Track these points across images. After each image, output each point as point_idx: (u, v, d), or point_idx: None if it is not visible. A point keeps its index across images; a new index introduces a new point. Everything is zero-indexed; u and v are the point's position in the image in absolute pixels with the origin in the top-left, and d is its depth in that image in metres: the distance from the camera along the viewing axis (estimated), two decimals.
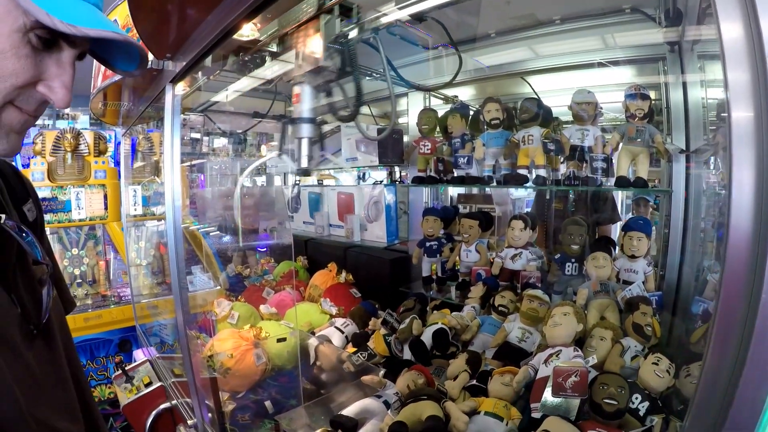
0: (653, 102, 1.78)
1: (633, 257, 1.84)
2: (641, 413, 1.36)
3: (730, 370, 0.66)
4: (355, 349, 2.15)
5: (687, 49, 1.76)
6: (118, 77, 2.21)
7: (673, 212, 1.84)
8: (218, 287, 3.19)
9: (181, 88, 1.94)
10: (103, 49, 0.98)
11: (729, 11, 0.63)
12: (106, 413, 3.49)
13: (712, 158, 1.74)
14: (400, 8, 1.47)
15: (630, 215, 2.40)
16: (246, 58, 1.96)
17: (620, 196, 2.43)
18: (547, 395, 1.38)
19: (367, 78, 2.60)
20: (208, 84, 2.50)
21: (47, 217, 3.72)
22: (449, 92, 2.67)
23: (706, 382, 0.70)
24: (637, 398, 1.38)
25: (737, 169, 0.63)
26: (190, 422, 2.03)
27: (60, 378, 1.04)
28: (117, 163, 4.17)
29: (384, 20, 1.56)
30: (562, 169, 2.06)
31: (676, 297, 1.86)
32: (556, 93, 2.21)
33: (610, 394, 1.33)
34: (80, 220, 3.87)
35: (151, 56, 1.84)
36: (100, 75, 2.46)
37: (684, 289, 1.84)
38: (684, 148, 1.79)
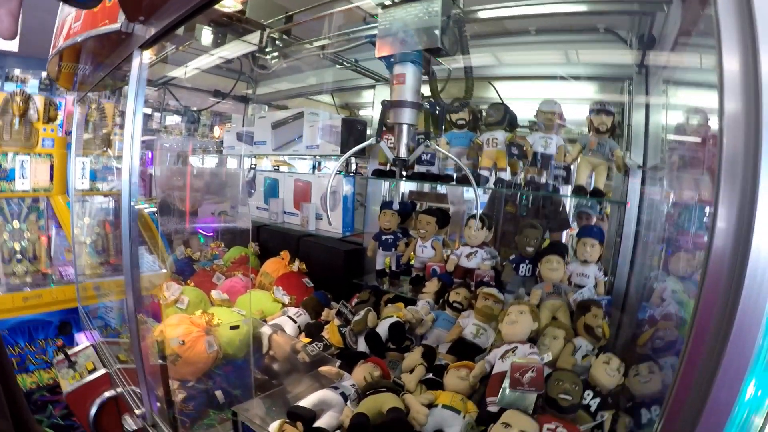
0: (615, 117, 1.87)
1: (585, 262, 1.94)
2: (592, 409, 1.45)
3: (705, 375, 0.71)
4: (308, 340, 2.15)
5: (654, 73, 1.87)
6: (80, 37, 2.08)
7: (626, 223, 1.94)
8: (164, 270, 3.10)
9: (148, 56, 1.86)
10: None
11: (731, 44, 0.68)
12: (44, 400, 3.29)
13: (666, 176, 1.84)
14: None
15: (575, 224, 2.51)
16: (220, 32, 1.92)
17: (570, 203, 2.54)
18: (506, 389, 1.43)
19: (338, 66, 2.61)
20: (172, 56, 2.43)
21: None
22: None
23: (682, 385, 0.75)
24: (589, 394, 1.47)
25: (724, 193, 0.68)
26: (138, 411, 1.96)
27: None
28: (65, 133, 3.93)
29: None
30: (521, 174, 2.13)
31: (624, 301, 1.97)
32: (521, 101, 2.27)
33: (565, 390, 1.40)
34: (24, 191, 3.61)
35: (121, 17, 1.75)
36: (62, 35, 2.32)
37: (632, 295, 1.95)
38: (641, 164, 1.89)
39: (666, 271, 1.75)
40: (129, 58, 1.84)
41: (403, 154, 1.51)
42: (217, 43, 2.12)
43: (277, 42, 2.24)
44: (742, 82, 0.67)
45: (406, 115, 1.47)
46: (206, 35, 2.09)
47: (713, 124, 1.62)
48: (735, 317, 0.66)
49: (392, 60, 1.48)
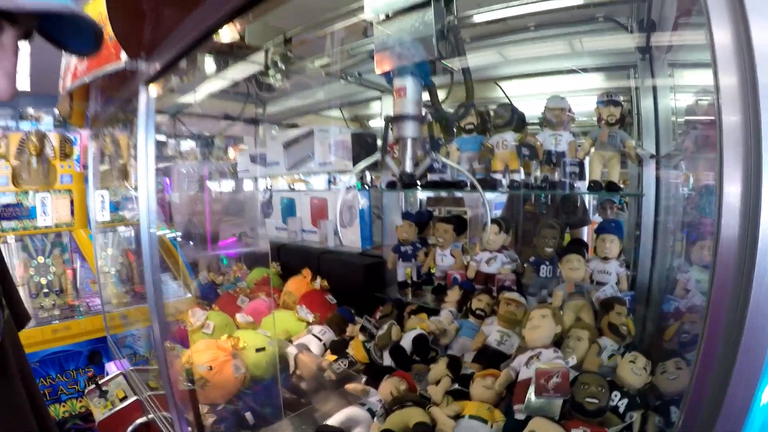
0: (624, 107, 1.84)
1: (606, 259, 1.90)
2: (621, 410, 1.41)
3: (721, 368, 0.69)
4: (334, 357, 2.15)
5: (658, 57, 1.83)
6: (88, 78, 2.14)
7: (644, 215, 1.89)
8: (189, 295, 3.13)
9: (155, 90, 1.89)
10: (53, 28, 0.89)
11: (720, 17, 0.66)
12: (78, 429, 3.38)
13: (682, 162, 1.80)
14: None
15: (597, 216, 2.46)
16: (222, 60, 1.95)
17: (588, 198, 2.49)
18: (531, 396, 1.41)
19: (342, 82, 2.62)
20: (180, 86, 2.47)
21: (11, 224, 3.59)
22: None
23: (698, 382, 0.72)
24: (616, 396, 1.43)
25: (728, 172, 0.66)
26: None
27: (13, 405, 0.99)
28: (83, 167, 4.02)
29: None
30: (536, 173, 2.10)
31: (648, 296, 1.92)
32: (528, 98, 2.25)
33: (591, 393, 1.36)
34: (46, 227, 3.73)
35: (124, 55, 1.79)
36: (68, 75, 2.39)
37: (655, 289, 1.90)
38: (654, 153, 1.85)
39: (689, 261, 1.71)
40: (136, 93, 1.88)
41: (408, 168, 1.49)
42: (221, 70, 2.14)
43: (278, 64, 2.25)
44: (736, 55, 0.65)
45: (409, 129, 1.45)
46: (209, 64, 2.12)
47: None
48: (748, 304, 0.64)
49: (391, 74, 1.47)
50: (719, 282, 0.68)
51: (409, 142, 1.48)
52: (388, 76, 1.48)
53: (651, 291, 1.92)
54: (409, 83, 1.44)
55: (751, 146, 0.64)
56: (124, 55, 1.82)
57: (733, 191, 0.66)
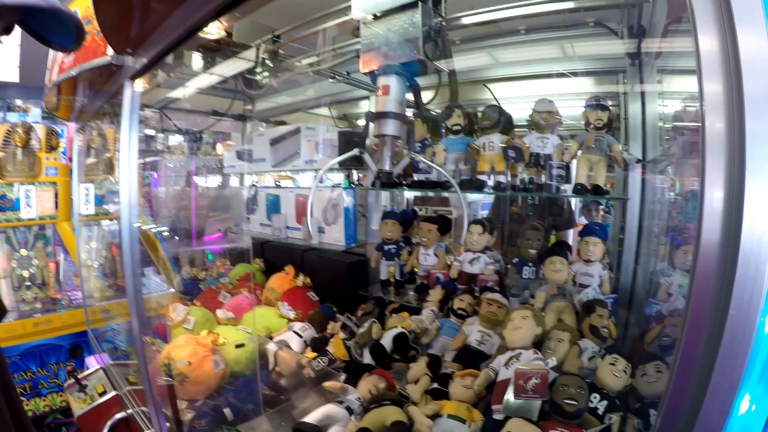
0: (611, 112, 1.85)
1: (589, 261, 1.90)
2: (600, 412, 1.41)
3: (700, 377, 0.68)
4: (314, 354, 2.13)
5: (647, 63, 1.84)
6: (74, 71, 2.12)
7: (628, 219, 1.90)
8: (172, 290, 3.10)
9: (141, 85, 1.88)
10: (35, 22, 0.90)
11: (707, 25, 0.66)
12: (58, 422, 3.32)
13: (668, 168, 1.81)
14: None
15: (582, 218, 2.46)
16: (209, 56, 1.94)
17: (574, 201, 2.50)
18: (509, 397, 1.40)
19: (330, 81, 2.61)
20: (167, 81, 2.45)
21: None
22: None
23: (676, 385, 0.72)
24: (595, 397, 1.43)
25: (710, 177, 0.66)
26: None
27: None
28: (69, 160, 3.97)
29: None
30: (522, 175, 2.10)
31: (630, 299, 1.93)
32: (516, 101, 2.25)
33: (570, 395, 1.36)
34: (29, 220, 3.67)
35: (110, 51, 1.78)
36: (55, 68, 2.36)
37: (638, 292, 1.91)
38: (641, 158, 1.86)
39: (672, 265, 1.71)
40: (122, 87, 1.86)
41: (386, 166, 1.49)
42: (208, 67, 2.12)
43: (266, 62, 2.24)
44: (721, 63, 0.65)
45: (390, 127, 1.45)
46: (196, 61, 2.11)
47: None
48: (730, 304, 0.64)
49: (376, 72, 1.46)
50: (699, 285, 0.68)
51: (388, 140, 1.48)
52: (373, 74, 1.47)
53: (633, 294, 1.93)
54: (392, 82, 1.44)
55: (735, 153, 0.64)
56: (110, 50, 1.80)
57: (716, 196, 0.66)
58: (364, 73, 1.46)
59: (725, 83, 0.65)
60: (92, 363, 2.91)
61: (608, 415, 1.40)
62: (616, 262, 2.00)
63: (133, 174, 1.86)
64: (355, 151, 1.64)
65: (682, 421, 0.70)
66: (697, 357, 0.68)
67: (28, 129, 3.64)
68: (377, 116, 1.45)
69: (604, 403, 1.42)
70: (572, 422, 1.34)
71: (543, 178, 1.98)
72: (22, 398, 3.26)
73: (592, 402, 1.41)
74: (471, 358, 1.85)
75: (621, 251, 1.96)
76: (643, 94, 1.88)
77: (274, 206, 3.22)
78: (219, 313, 2.54)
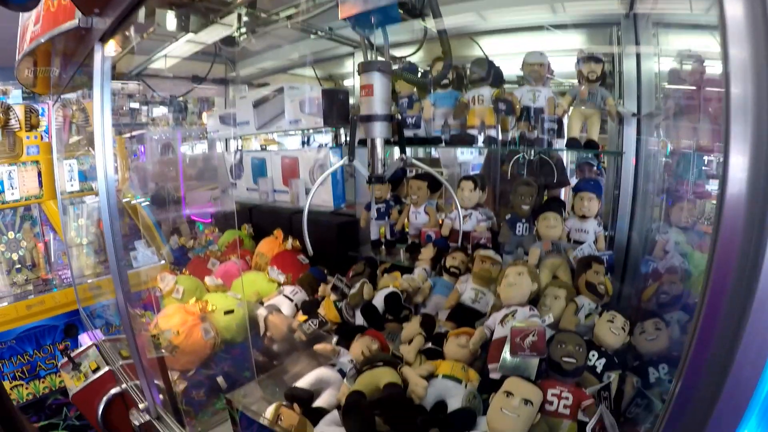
0: (605, 66, 1.78)
1: (584, 217, 1.87)
2: (598, 370, 1.39)
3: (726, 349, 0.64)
4: (305, 317, 2.10)
5: (643, 16, 1.76)
6: (43, 38, 2.00)
7: (623, 175, 1.86)
8: (163, 261, 3.05)
9: (112, 48, 1.78)
10: None
11: None
12: (59, 403, 3.31)
13: (662, 123, 1.76)
14: None
15: (574, 178, 2.42)
16: (183, 13, 1.83)
17: (566, 160, 2.45)
18: (506, 356, 1.38)
19: (312, 37, 2.50)
20: (142, 46, 2.33)
21: None
22: (398, 53, 2.60)
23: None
24: (593, 355, 1.41)
25: (734, 145, 0.61)
26: (141, 405, 1.95)
27: None
28: (49, 137, 3.85)
29: None
30: (513, 130, 2.04)
31: (626, 256, 1.90)
32: (506, 56, 2.17)
33: (569, 353, 1.34)
34: (15, 201, 3.56)
35: (78, 14, 1.68)
36: (27, 38, 2.23)
37: (634, 249, 1.88)
38: (635, 112, 1.80)
39: (668, 223, 1.69)
40: (92, 52, 1.76)
41: (379, 170, 1.47)
42: (182, 26, 2.02)
43: (243, 17, 2.14)
44: (749, 27, 0.59)
45: (377, 129, 1.42)
46: (170, 20, 2.00)
47: (709, 66, 1.53)
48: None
49: (358, 71, 1.43)
50: (721, 259, 0.63)
51: (378, 143, 1.47)
52: (356, 23, 1.40)
53: (629, 251, 1.90)
54: (376, 80, 1.40)
55: (763, 118, 0.59)
56: (78, 13, 1.70)
57: (740, 163, 0.61)
58: (346, 20, 1.38)
59: (753, 48, 0.59)
60: (85, 340, 2.87)
61: (607, 373, 1.38)
62: (611, 219, 1.96)
63: (108, 144, 1.77)
64: (345, 161, 1.60)
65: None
66: (722, 320, 0.64)
67: (6, 109, 3.49)
68: (363, 119, 1.43)
69: (603, 360, 1.41)
70: (571, 380, 1.32)
71: (535, 133, 1.93)
72: (21, 382, 3.27)
73: (590, 360, 1.39)
74: (465, 316, 1.83)
75: (616, 208, 1.91)
76: (638, 47, 1.80)
77: (260, 170, 3.15)
78: (207, 280, 2.51)
